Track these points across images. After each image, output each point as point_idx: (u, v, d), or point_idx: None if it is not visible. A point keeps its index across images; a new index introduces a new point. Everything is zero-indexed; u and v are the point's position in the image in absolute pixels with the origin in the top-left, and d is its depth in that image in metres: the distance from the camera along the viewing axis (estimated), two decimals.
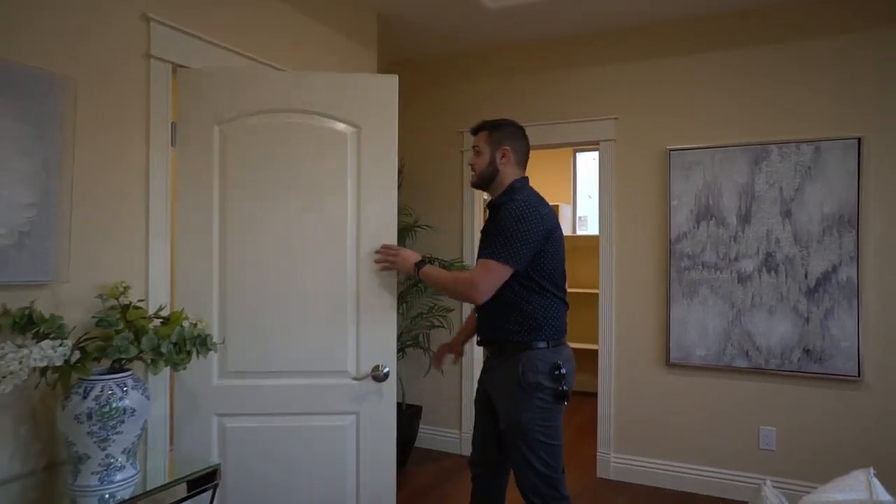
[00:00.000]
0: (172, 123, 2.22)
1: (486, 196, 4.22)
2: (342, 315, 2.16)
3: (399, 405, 3.91)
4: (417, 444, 4.15)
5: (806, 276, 3.16)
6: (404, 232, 3.78)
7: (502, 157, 2.16)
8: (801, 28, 3.19)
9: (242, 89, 2.13)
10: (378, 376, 2.14)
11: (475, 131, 2.24)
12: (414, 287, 3.82)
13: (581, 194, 5.91)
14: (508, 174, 2.17)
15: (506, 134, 2.19)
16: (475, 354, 4.03)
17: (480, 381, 2.27)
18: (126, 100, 2.03)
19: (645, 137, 3.56)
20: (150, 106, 2.10)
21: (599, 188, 3.70)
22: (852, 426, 3.08)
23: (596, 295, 4.78)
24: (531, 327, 2.06)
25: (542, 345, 2.06)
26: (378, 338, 2.18)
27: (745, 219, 3.29)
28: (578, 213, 5.91)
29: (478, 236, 4.14)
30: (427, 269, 2.13)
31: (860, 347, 3.04)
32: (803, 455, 3.17)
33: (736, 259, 3.31)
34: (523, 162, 2.23)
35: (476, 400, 2.30)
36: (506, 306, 2.07)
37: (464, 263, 3.98)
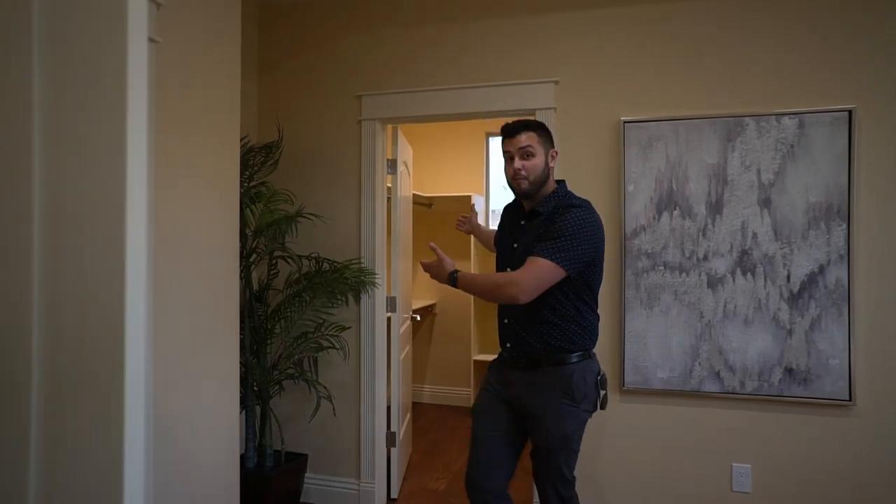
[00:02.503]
0: None
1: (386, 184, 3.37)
2: None
3: (277, 454, 2.93)
4: (304, 498, 3.20)
5: (788, 278, 2.58)
6: (282, 224, 2.80)
7: (552, 159, 2.08)
8: None
9: None
10: None
11: (516, 131, 2.03)
12: (296, 298, 2.85)
13: (495, 184, 5.19)
14: (552, 178, 2.10)
15: (550, 134, 2.10)
16: (376, 388, 3.14)
17: (500, 395, 2.11)
18: None
19: (593, 106, 2.84)
20: None
21: None
22: (842, 461, 2.54)
23: None
24: (582, 340, 2.03)
25: (586, 356, 2.04)
26: None
27: (715, 208, 2.66)
28: (492, 207, 5.18)
29: (381, 228, 3.27)
30: (461, 275, 2.00)
31: (851, 365, 2.50)
32: (783, 499, 2.60)
33: (705, 258, 2.68)
34: None
35: (487, 416, 2.12)
36: (560, 318, 1.99)
37: (361, 266, 3.07)
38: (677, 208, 2.71)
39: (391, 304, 3.27)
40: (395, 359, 3.33)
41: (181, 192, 2.09)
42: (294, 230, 2.89)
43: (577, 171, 2.86)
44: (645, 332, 2.75)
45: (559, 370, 1.99)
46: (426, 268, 2.06)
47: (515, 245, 2.07)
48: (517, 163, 2.01)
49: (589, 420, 2.79)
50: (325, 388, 2.93)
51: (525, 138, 2.01)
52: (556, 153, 2.10)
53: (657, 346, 2.73)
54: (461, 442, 4.08)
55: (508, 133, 2.04)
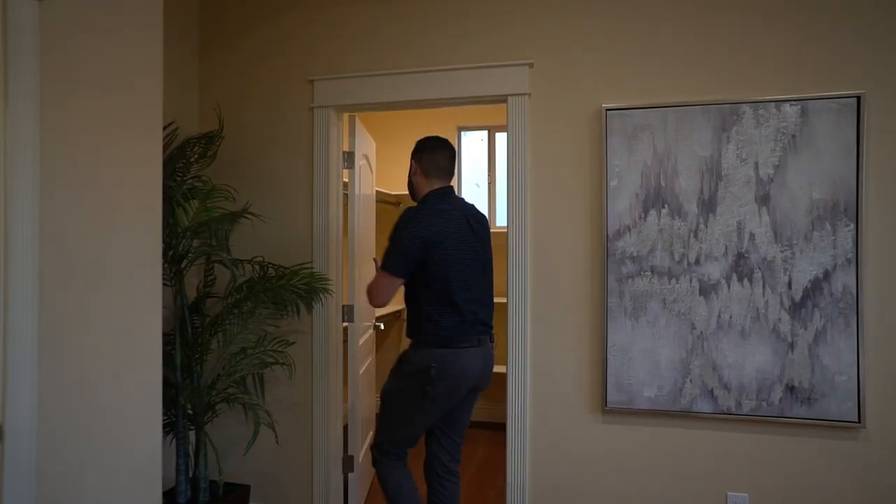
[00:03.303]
0: None
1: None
2: None
3: (213, 486, 2.57)
4: None
5: (789, 285, 2.30)
6: (213, 224, 2.42)
7: (413, 171, 2.35)
8: None
9: None
10: None
11: None
12: (235, 308, 2.50)
13: (467, 182, 4.87)
14: (421, 185, 2.33)
15: (415, 149, 2.36)
16: (331, 407, 2.80)
17: None
18: None
19: (572, 91, 2.54)
20: None
21: (508, 163, 2.63)
22: (850, 489, 2.26)
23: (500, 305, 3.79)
24: (421, 329, 2.21)
25: (425, 344, 2.19)
26: None
27: (708, 206, 2.38)
28: None
29: (337, 229, 2.88)
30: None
31: (861, 383, 2.23)
32: None
33: (697, 262, 2.39)
34: (433, 171, 2.32)
35: None
36: (408, 306, 2.26)
37: (313, 270, 2.73)
38: (666, 206, 2.42)
39: (348, 313, 2.93)
40: (352, 374, 2.99)
41: (80, 185, 1.73)
42: (230, 231, 2.53)
43: (554, 164, 2.55)
44: (630, 345, 2.45)
45: (408, 349, 2.28)
46: None
47: None
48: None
49: (566, 442, 2.51)
50: (266, 412, 2.57)
51: None
52: (413, 163, 2.34)
53: (643, 360, 2.44)
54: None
55: None
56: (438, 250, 2.13)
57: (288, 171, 2.83)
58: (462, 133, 4.79)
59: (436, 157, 2.31)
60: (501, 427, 4.25)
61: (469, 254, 2.21)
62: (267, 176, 2.85)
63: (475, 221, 2.30)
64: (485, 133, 4.78)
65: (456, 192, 2.55)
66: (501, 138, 4.73)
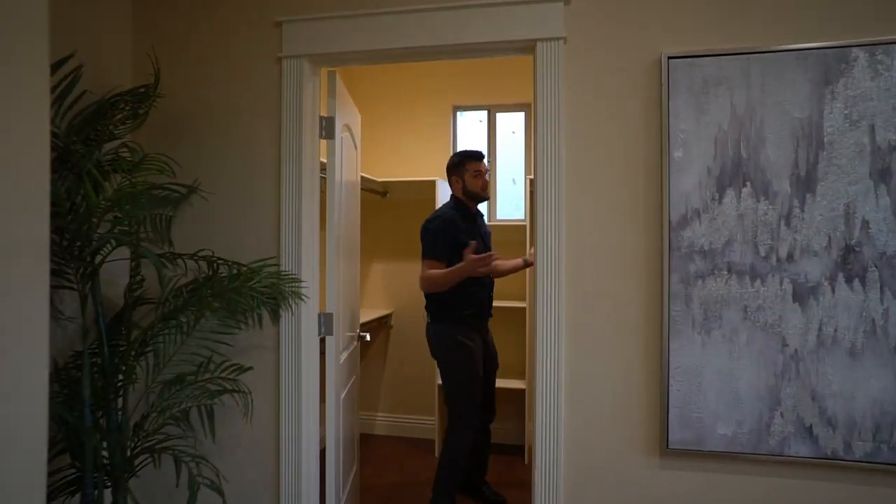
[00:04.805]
0: None
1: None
2: None
3: None
4: None
5: None
6: (124, 201, 1.74)
7: None
8: None
9: None
10: None
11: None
12: (171, 319, 1.84)
13: None
14: None
15: None
16: (303, 443, 2.15)
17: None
18: None
19: (621, 34, 1.94)
20: None
21: (537, 133, 2.02)
22: None
23: (515, 310, 3.21)
24: None
25: None
26: None
27: (806, 184, 1.80)
28: None
29: (312, 218, 2.25)
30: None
31: None
32: None
33: (790, 258, 1.81)
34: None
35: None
36: None
37: (279, 266, 2.09)
38: (748, 184, 1.83)
39: (326, 322, 2.29)
40: (332, 398, 2.36)
41: None
42: (163, 219, 1.87)
43: (597, 130, 1.95)
44: (699, 368, 1.86)
45: None
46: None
47: (483, 240, 2.87)
48: (488, 177, 2.85)
49: (613, 491, 1.92)
50: (211, 466, 1.90)
51: None
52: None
53: (718, 387, 1.85)
54: (425, 487, 3.06)
55: (481, 157, 2.82)
56: None
57: (247, 139, 2.19)
58: (458, 113, 4.17)
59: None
60: (506, 449, 3.65)
61: None
62: (219, 145, 2.20)
63: None
64: (483, 114, 4.17)
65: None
66: (502, 119, 4.13)
